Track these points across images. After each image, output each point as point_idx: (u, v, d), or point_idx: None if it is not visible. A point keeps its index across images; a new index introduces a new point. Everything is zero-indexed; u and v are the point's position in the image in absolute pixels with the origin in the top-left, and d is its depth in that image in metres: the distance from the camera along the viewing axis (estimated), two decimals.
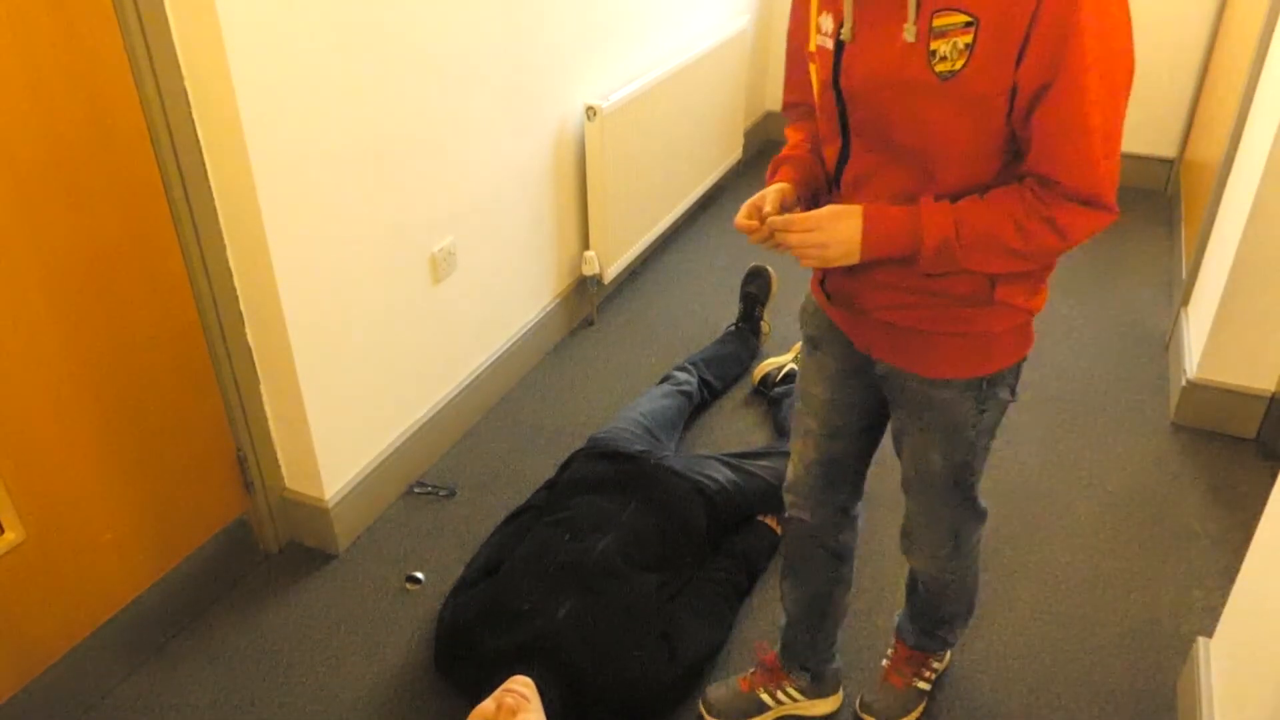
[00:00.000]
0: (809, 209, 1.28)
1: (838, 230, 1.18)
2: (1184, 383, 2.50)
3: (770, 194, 1.27)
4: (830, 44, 1.18)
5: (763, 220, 1.23)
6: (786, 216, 1.20)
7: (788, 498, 1.62)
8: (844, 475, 1.56)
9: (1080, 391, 2.68)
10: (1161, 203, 3.81)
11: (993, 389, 1.34)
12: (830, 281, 1.35)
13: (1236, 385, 2.44)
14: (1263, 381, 2.41)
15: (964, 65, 1.06)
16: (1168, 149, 3.83)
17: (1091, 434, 2.51)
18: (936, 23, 1.06)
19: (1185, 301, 2.76)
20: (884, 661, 1.82)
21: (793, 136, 1.41)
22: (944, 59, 1.07)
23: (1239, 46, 2.89)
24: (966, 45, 1.05)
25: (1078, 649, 1.91)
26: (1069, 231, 1.13)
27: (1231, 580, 1.71)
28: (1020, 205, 1.13)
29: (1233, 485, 2.33)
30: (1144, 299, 3.14)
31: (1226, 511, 2.24)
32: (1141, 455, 2.44)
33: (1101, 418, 2.58)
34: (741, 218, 1.25)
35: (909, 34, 1.08)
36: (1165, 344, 2.88)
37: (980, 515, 1.54)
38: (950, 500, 1.47)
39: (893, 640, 1.81)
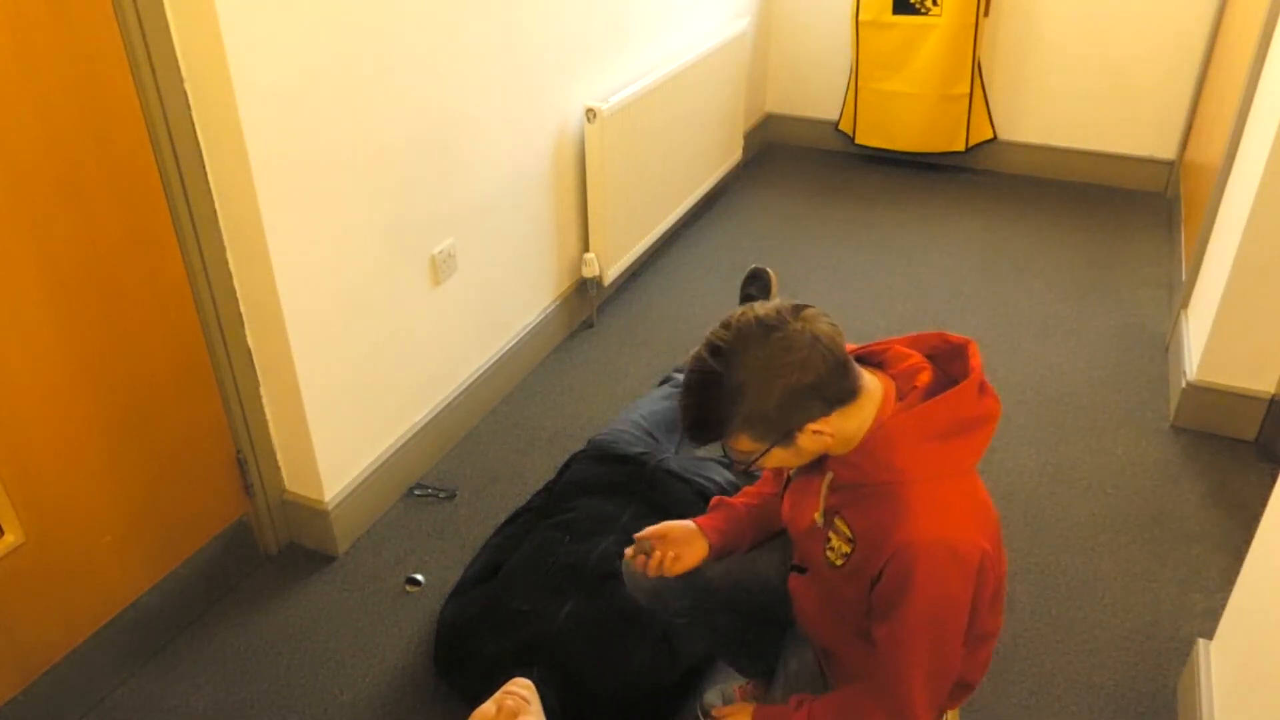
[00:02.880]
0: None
1: None
2: (1184, 384, 2.50)
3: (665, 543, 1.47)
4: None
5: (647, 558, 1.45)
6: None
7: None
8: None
9: (1080, 393, 2.68)
10: (1161, 204, 3.81)
11: None
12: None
13: (1236, 387, 2.44)
14: (1263, 383, 2.41)
15: (843, 564, 1.29)
16: (1167, 150, 3.83)
17: (1091, 435, 2.51)
18: (835, 521, 1.30)
19: (1185, 303, 2.76)
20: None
21: (748, 490, 1.61)
22: (832, 550, 1.30)
23: (1239, 47, 2.89)
24: (846, 554, 1.28)
25: (1078, 651, 1.90)
26: None
27: (1231, 582, 1.71)
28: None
29: (1233, 487, 2.32)
30: (1144, 300, 3.14)
31: (1226, 513, 2.24)
32: (1141, 457, 2.44)
33: (1101, 419, 2.57)
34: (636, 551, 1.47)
35: (818, 519, 1.34)
36: (1165, 346, 2.88)
37: None
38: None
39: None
